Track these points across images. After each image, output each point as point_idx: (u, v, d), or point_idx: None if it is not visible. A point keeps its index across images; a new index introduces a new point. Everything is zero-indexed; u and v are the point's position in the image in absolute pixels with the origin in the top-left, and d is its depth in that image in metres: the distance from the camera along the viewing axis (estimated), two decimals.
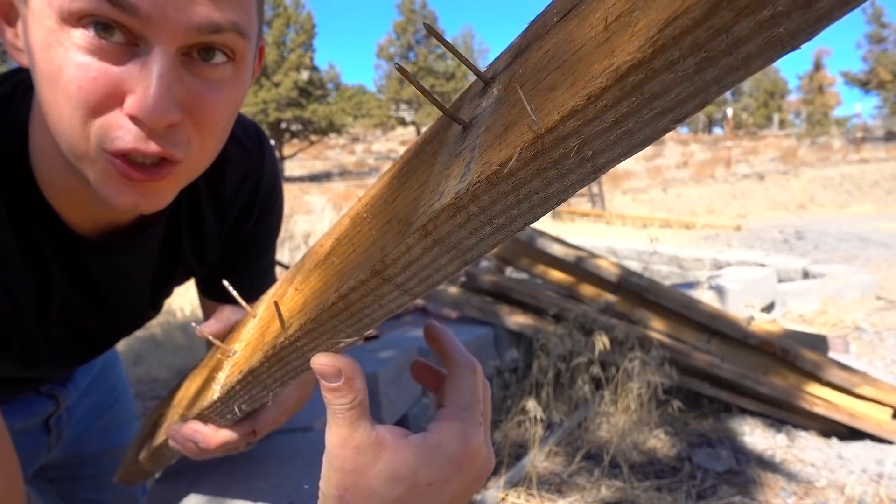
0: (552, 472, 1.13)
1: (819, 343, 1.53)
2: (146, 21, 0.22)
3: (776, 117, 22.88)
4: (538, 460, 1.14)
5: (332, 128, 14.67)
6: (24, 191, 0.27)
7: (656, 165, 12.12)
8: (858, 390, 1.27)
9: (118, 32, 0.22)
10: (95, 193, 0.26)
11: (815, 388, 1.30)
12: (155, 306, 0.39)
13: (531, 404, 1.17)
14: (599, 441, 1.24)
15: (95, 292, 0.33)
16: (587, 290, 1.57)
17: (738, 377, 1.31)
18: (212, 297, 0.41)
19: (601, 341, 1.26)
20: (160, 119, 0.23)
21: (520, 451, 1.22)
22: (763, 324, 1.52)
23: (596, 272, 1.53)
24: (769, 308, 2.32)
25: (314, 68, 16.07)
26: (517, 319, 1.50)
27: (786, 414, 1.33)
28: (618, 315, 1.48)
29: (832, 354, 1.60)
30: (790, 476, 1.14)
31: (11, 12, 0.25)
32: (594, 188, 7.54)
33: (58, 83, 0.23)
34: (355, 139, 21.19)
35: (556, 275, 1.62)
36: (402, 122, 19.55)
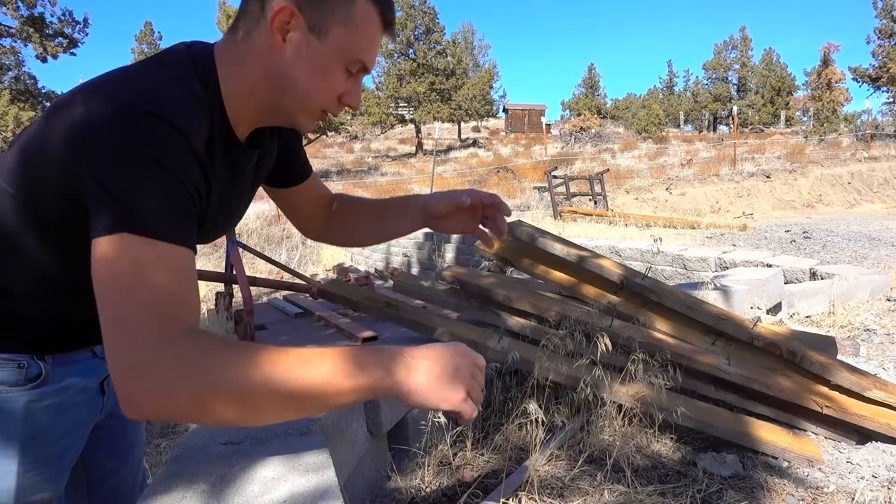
0: (554, 476, 1.12)
1: (827, 345, 1.50)
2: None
3: (783, 114, 22.62)
4: (539, 464, 1.13)
5: (330, 126, 14.68)
6: (221, 113, 0.43)
7: (660, 164, 12.03)
8: (868, 393, 1.24)
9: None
10: (293, 122, 0.46)
11: (823, 391, 1.28)
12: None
13: (532, 407, 1.15)
14: (602, 444, 1.22)
15: (237, 181, 0.49)
16: (589, 290, 1.54)
17: (745, 380, 1.28)
18: (288, 183, 0.59)
19: (603, 343, 1.24)
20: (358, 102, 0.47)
21: (521, 454, 1.20)
22: (769, 325, 1.49)
23: (598, 272, 1.51)
24: (776, 309, 2.28)
25: None
26: (518, 320, 1.48)
27: (793, 417, 1.31)
28: (621, 316, 1.45)
29: (841, 357, 1.57)
30: (798, 481, 1.12)
31: (284, 25, 0.42)
32: (597, 187, 7.48)
33: (322, 83, 0.44)
34: (354, 137, 21.16)
35: (558, 275, 1.60)
36: (402, 120, 19.51)
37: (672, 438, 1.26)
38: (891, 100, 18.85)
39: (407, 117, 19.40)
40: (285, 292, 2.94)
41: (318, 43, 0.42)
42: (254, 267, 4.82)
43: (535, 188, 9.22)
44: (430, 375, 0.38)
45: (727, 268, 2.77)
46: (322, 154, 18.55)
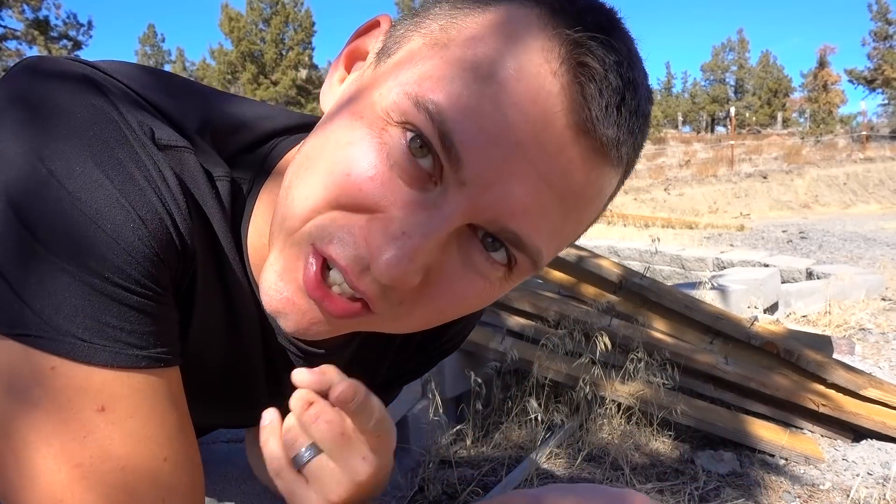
0: (553, 474, 1.13)
1: (823, 344, 1.52)
2: (461, 181, 0.19)
3: (780, 116, 22.76)
4: (539, 462, 1.14)
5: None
6: (236, 258, 0.24)
7: (658, 164, 12.07)
8: (864, 392, 1.25)
9: (428, 162, 0.20)
10: (261, 282, 0.22)
11: (819, 390, 1.29)
12: None
13: (532, 405, 1.16)
14: (601, 443, 1.23)
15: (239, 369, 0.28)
16: (588, 290, 1.55)
17: (742, 379, 1.30)
18: None
19: (602, 342, 1.25)
20: (397, 277, 0.19)
21: (520, 452, 1.21)
22: (766, 325, 1.50)
23: (597, 272, 1.52)
24: (772, 309, 2.30)
25: (313, 66, 16.02)
26: (518, 320, 1.49)
27: (790, 415, 1.32)
28: (619, 315, 1.46)
29: (837, 356, 1.58)
30: (794, 479, 1.13)
31: (357, 61, 0.24)
32: None
33: (334, 151, 0.20)
34: None
35: (557, 275, 1.61)
36: None
37: (670, 436, 1.27)
38: (886, 101, 19.00)
39: None
40: None
41: (372, 71, 0.22)
42: None
43: None
44: None
45: (725, 268, 2.79)
46: None
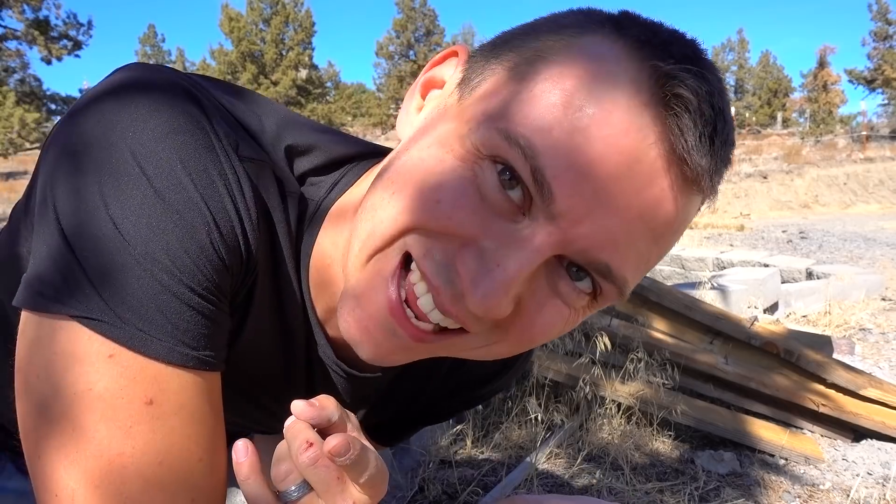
0: (553, 474, 1.13)
1: (823, 344, 1.52)
2: (552, 214, 0.20)
3: (780, 116, 22.76)
4: (539, 462, 1.14)
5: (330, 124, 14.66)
6: (297, 276, 0.25)
7: None
8: (864, 392, 1.26)
9: (518, 194, 0.20)
10: (339, 307, 0.22)
11: (819, 390, 1.29)
12: None
13: (532, 405, 1.16)
14: (601, 443, 1.23)
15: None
16: None
17: (742, 379, 1.30)
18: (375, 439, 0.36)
19: (602, 342, 1.25)
20: (491, 308, 0.20)
21: (521, 452, 1.21)
22: (766, 325, 1.50)
23: None
24: (772, 309, 2.30)
25: (313, 66, 16.04)
26: None
27: (790, 415, 1.32)
28: (619, 315, 1.46)
29: (837, 356, 1.58)
30: (794, 478, 1.13)
31: (433, 89, 0.25)
32: None
33: (424, 179, 0.20)
34: None
35: None
36: None
37: (670, 436, 1.27)
38: (886, 101, 19.01)
39: None
40: None
41: (456, 101, 0.22)
42: None
43: None
44: None
45: (725, 268, 2.79)
46: None
